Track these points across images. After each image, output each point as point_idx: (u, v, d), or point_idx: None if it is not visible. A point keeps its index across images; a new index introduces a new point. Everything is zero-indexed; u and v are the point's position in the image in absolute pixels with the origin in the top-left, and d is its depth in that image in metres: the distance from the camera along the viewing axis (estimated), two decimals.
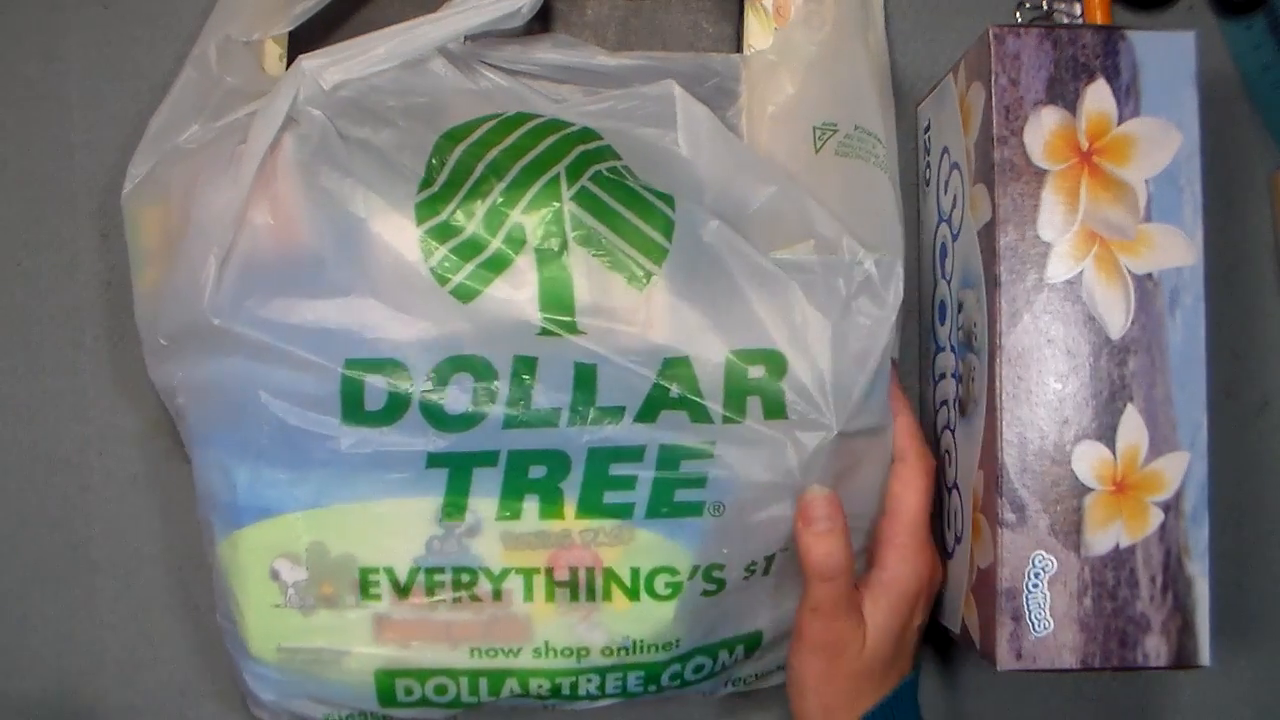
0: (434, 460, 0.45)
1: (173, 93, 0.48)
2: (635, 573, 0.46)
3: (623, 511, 0.46)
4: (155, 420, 0.55)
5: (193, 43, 0.49)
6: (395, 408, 0.44)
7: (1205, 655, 0.45)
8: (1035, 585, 0.45)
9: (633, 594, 0.46)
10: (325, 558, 0.46)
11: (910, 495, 0.48)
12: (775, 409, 0.45)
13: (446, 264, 0.44)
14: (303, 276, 0.44)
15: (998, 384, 0.45)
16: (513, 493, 0.46)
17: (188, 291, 0.44)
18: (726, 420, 0.45)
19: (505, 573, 0.46)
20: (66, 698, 0.55)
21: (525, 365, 0.45)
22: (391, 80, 0.47)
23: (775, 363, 0.45)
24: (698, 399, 0.45)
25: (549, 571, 0.46)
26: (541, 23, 0.55)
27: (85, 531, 0.55)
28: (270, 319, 0.44)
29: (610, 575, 0.46)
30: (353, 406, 0.45)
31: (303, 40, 0.51)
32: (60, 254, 0.55)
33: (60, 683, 0.55)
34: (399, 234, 0.44)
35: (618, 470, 0.45)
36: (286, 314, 0.44)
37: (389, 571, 0.46)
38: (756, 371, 0.45)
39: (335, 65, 0.46)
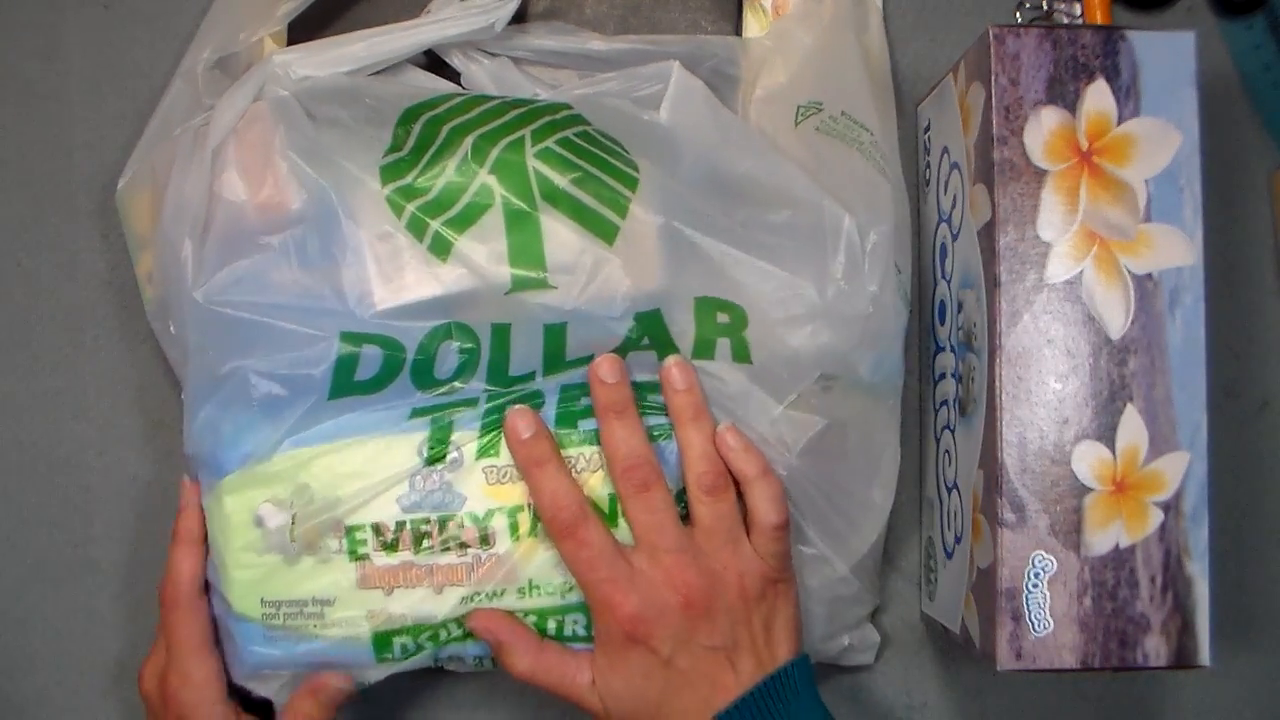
0: (416, 412, 0.47)
1: (161, 107, 0.49)
2: (613, 498, 0.46)
3: (598, 438, 0.46)
4: (155, 420, 0.55)
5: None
6: (386, 377, 0.46)
7: (1205, 655, 0.45)
8: (1035, 585, 0.45)
9: (612, 519, 0.47)
10: (309, 499, 0.46)
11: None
12: (742, 354, 0.47)
13: (417, 221, 0.45)
14: (282, 248, 0.45)
15: (997, 384, 0.45)
16: (492, 430, 0.46)
17: (171, 273, 0.46)
18: (696, 357, 0.47)
19: (490, 513, 0.46)
20: (66, 698, 0.55)
21: (501, 333, 0.46)
22: (362, 79, 0.48)
23: (738, 314, 0.46)
24: (667, 343, 0.46)
25: (531, 507, 0.46)
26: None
27: (85, 531, 0.55)
28: (255, 298, 0.45)
29: (591, 504, 0.46)
30: (343, 379, 0.46)
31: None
32: (60, 254, 0.55)
33: (60, 683, 0.55)
34: (369, 196, 0.45)
35: (589, 402, 0.47)
36: (271, 289, 0.45)
37: (375, 528, 0.46)
38: (723, 317, 0.46)
39: (304, 62, 0.47)
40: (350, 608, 0.47)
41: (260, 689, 0.49)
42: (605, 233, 0.46)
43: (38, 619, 0.55)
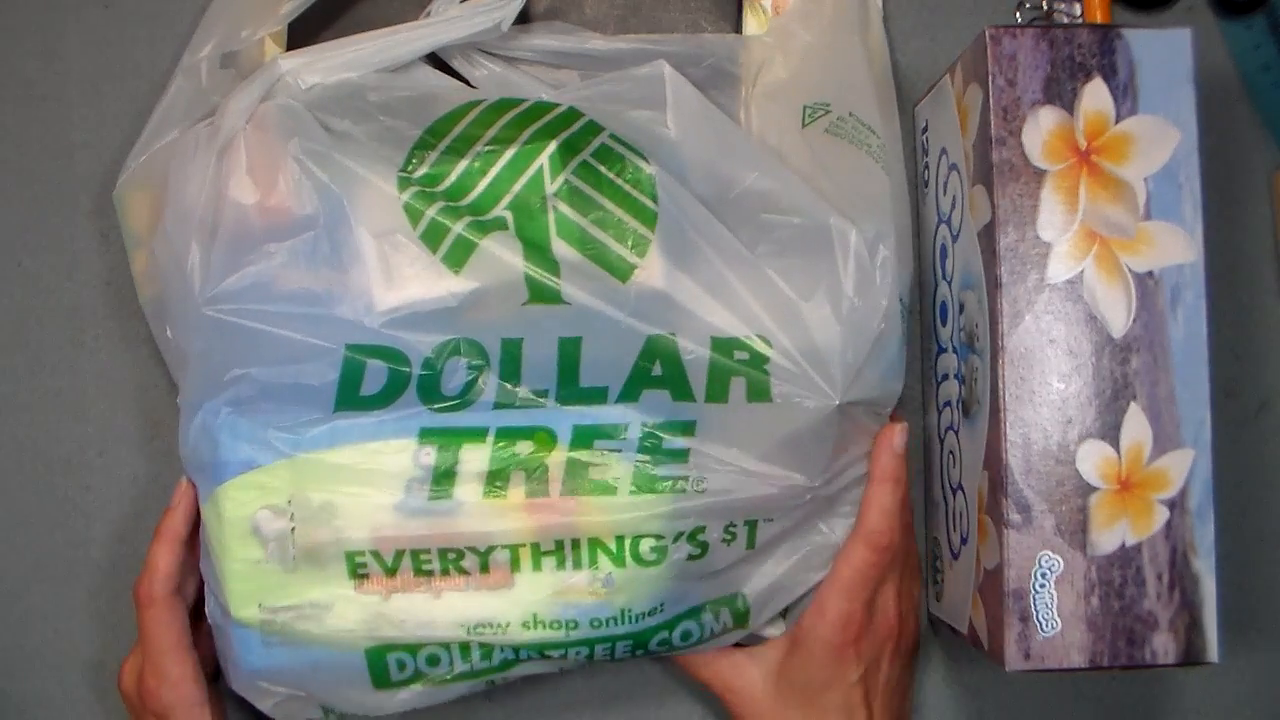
0: (425, 436, 0.46)
1: (163, 103, 0.48)
2: (620, 540, 0.46)
3: (607, 489, 0.46)
4: (155, 420, 0.55)
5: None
6: (392, 392, 0.45)
7: (1214, 652, 0.45)
8: (1042, 585, 0.44)
9: (618, 560, 0.46)
10: (307, 506, 0.46)
11: (844, 564, 0.48)
12: (760, 392, 0.46)
13: (433, 230, 0.45)
14: (292, 254, 0.45)
15: (1001, 385, 0.45)
16: (499, 470, 0.46)
17: (174, 277, 0.45)
18: (710, 399, 0.46)
19: (491, 549, 0.46)
20: (67, 697, 0.55)
21: (513, 347, 0.45)
22: (371, 77, 0.48)
23: (758, 349, 0.46)
24: (681, 377, 0.46)
25: (535, 546, 0.46)
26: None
27: (85, 531, 0.55)
28: (263, 305, 0.45)
29: (596, 544, 0.46)
30: (348, 393, 0.45)
31: (304, 44, 0.51)
32: (60, 254, 0.55)
33: (61, 681, 0.55)
34: (384, 202, 0.45)
35: (601, 446, 0.46)
36: (279, 297, 0.45)
37: (375, 555, 0.46)
38: (741, 354, 0.46)
39: (311, 66, 0.47)
40: (348, 613, 0.46)
41: (257, 701, 0.49)
42: (621, 273, 0.46)
43: (38, 619, 0.55)
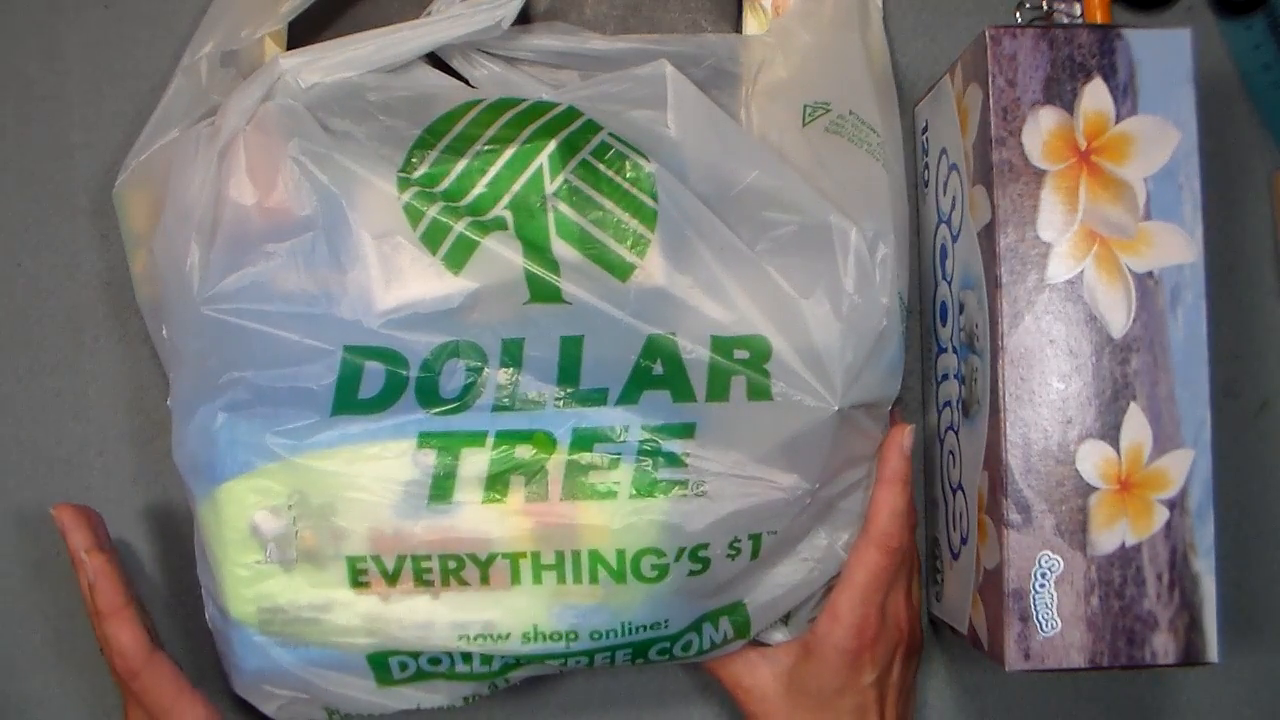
0: (424, 440, 0.46)
1: (163, 103, 0.48)
2: (621, 555, 0.46)
3: (607, 494, 0.46)
4: (155, 420, 0.55)
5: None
6: (389, 396, 0.45)
7: (1214, 652, 0.45)
8: (1042, 585, 0.45)
9: (619, 576, 0.46)
10: (306, 506, 0.46)
11: (857, 568, 0.48)
12: (760, 391, 0.46)
13: (433, 231, 0.45)
14: (291, 255, 0.45)
15: (1001, 385, 0.45)
16: (499, 473, 0.46)
17: (173, 277, 0.45)
18: (710, 399, 0.46)
19: (492, 558, 0.46)
20: (66, 698, 0.55)
21: (513, 348, 0.45)
22: (370, 76, 0.48)
23: (758, 347, 0.46)
24: (682, 377, 0.46)
25: (535, 557, 0.46)
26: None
27: None
28: (261, 306, 0.44)
29: (597, 558, 0.46)
30: (346, 396, 0.45)
31: (304, 43, 0.51)
32: (60, 254, 0.55)
33: (60, 682, 0.55)
34: (383, 204, 0.45)
35: (601, 450, 0.46)
36: (278, 298, 0.44)
37: (376, 560, 0.46)
38: (741, 353, 0.46)
39: (311, 65, 0.47)
40: (347, 613, 0.46)
41: (261, 704, 0.49)
42: (621, 272, 0.46)
43: (38, 619, 0.55)
